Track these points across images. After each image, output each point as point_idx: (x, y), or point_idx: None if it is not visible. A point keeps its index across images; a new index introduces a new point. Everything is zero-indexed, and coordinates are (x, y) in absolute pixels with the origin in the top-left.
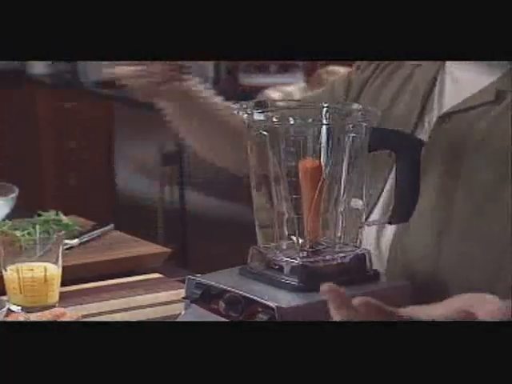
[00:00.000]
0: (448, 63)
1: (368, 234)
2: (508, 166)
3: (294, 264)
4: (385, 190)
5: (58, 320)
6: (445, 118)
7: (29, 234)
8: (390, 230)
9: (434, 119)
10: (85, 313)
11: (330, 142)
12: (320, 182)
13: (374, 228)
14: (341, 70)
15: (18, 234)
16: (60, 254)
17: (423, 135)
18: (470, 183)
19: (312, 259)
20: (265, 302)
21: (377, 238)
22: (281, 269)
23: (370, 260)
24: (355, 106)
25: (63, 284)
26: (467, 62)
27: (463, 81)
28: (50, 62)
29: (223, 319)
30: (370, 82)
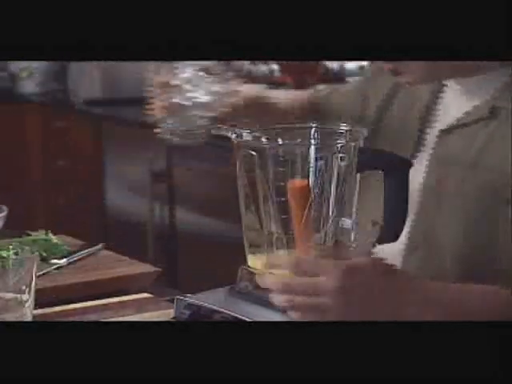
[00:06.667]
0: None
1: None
2: (504, 185)
3: None
4: None
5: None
6: (444, 133)
7: (16, 254)
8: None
9: (436, 134)
10: None
11: (319, 162)
12: (309, 202)
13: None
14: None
15: (5, 255)
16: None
17: (425, 150)
18: (467, 201)
19: None
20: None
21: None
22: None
23: None
24: (343, 126)
25: (50, 305)
26: (466, 77)
27: (463, 96)
28: (38, 81)
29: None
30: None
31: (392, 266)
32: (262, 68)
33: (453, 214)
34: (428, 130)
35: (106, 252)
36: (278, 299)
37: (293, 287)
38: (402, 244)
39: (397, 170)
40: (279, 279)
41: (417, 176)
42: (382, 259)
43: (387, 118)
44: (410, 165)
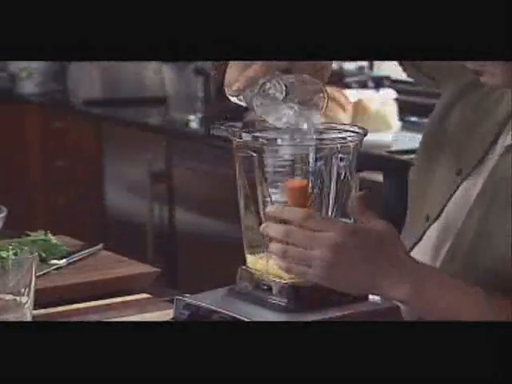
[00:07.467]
0: None
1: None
2: None
3: (282, 284)
4: (450, 202)
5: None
6: (510, 148)
7: (15, 254)
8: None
9: (502, 150)
10: None
11: (319, 162)
12: (308, 202)
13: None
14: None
15: (4, 255)
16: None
17: (487, 164)
18: None
19: (301, 279)
20: None
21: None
22: (269, 289)
23: None
24: (343, 126)
25: (49, 305)
26: None
27: None
28: (38, 82)
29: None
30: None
31: (395, 239)
32: None
33: (499, 234)
34: (497, 145)
35: (105, 252)
36: (274, 246)
37: (294, 236)
38: (442, 252)
39: (395, 171)
40: (282, 226)
41: (472, 189)
42: (384, 230)
43: (455, 117)
44: (410, 165)
